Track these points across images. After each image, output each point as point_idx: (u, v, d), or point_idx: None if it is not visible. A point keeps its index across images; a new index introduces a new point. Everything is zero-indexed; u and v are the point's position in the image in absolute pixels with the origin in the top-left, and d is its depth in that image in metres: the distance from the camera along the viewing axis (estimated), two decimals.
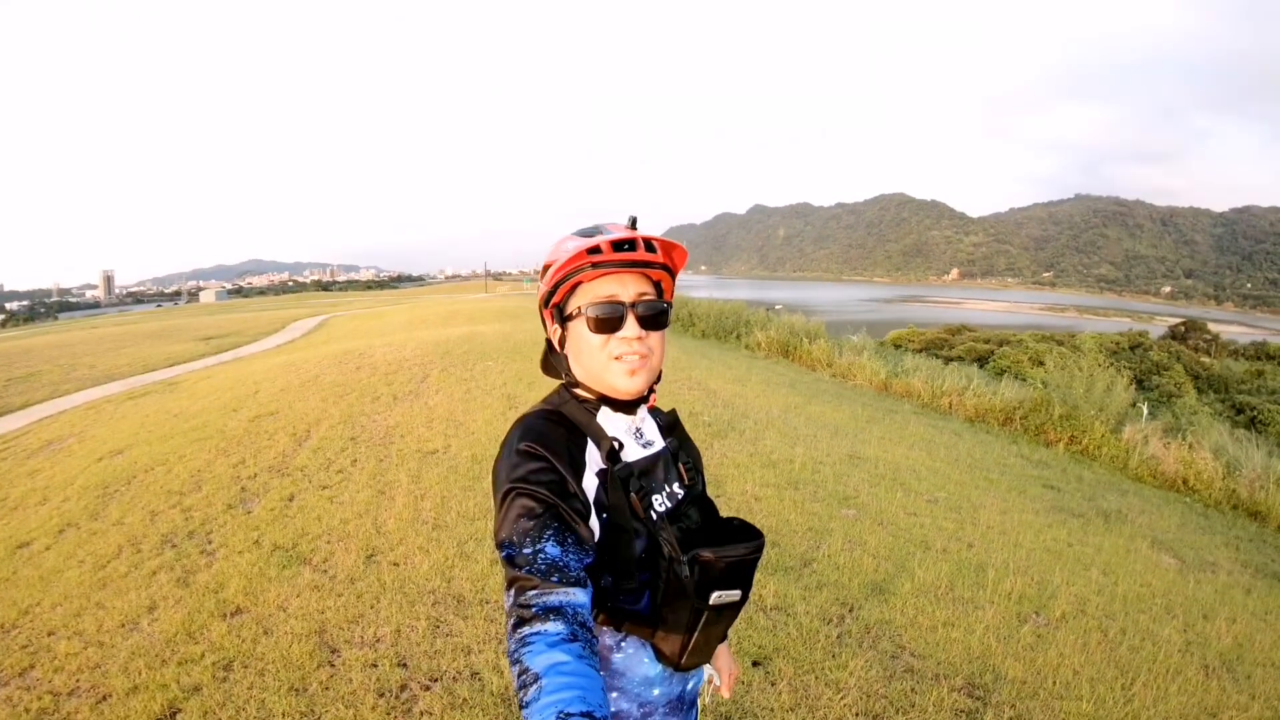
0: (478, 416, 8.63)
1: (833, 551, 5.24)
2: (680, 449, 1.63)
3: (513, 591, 1.23)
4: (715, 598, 1.37)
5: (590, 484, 1.39)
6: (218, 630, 4.07)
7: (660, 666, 1.46)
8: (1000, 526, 6.39)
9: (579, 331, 1.49)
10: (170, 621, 4.21)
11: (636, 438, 1.54)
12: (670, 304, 1.56)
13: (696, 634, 1.39)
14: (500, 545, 1.30)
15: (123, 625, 4.28)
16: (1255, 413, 28.55)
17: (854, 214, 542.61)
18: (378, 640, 3.91)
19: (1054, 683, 3.89)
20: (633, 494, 1.43)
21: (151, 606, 4.47)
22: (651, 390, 1.56)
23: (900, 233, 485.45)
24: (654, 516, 1.44)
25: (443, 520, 5.56)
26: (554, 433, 1.42)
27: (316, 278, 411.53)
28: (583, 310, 1.47)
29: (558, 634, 1.14)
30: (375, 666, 3.67)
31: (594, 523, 1.37)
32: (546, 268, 1.52)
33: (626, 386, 1.47)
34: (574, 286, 1.49)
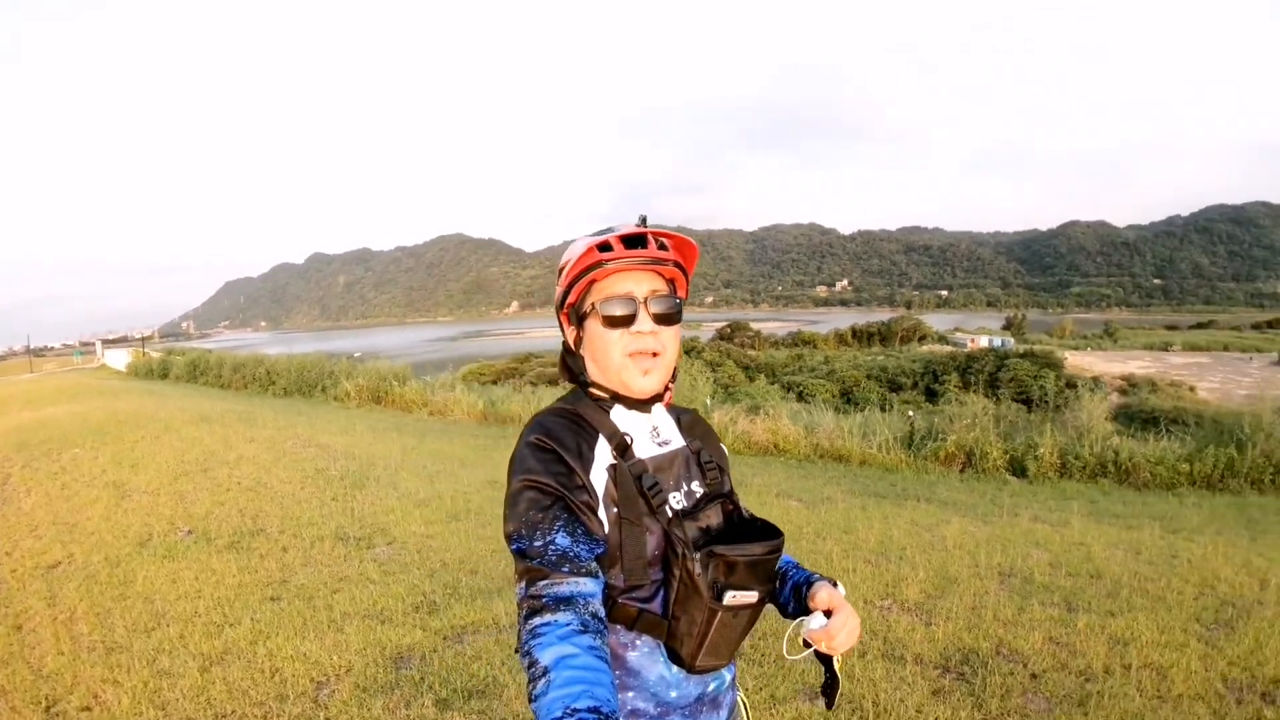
0: (91, 513, 7.53)
1: None
2: (703, 449, 1.60)
3: (524, 583, 1.25)
4: (730, 598, 1.35)
5: (600, 478, 1.40)
6: None
7: (676, 667, 1.43)
8: None
9: (593, 330, 1.50)
10: None
11: (653, 436, 1.54)
12: (683, 301, 1.58)
13: (711, 635, 1.36)
14: (510, 538, 1.31)
15: None
16: (801, 388, 34.10)
17: (414, 256, 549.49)
18: None
19: None
20: (645, 489, 1.41)
21: None
22: (667, 389, 1.58)
23: (460, 271, 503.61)
24: (668, 513, 1.42)
25: (114, 641, 4.71)
26: (564, 427, 1.43)
27: None
28: (596, 308, 1.48)
29: (568, 625, 1.16)
30: None
31: (603, 516, 1.37)
32: (561, 270, 1.53)
33: (641, 384, 1.49)
34: (588, 286, 1.49)
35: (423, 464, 9.33)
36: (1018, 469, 10.62)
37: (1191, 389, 50.06)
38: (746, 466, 10.17)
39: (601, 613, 1.24)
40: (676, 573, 1.36)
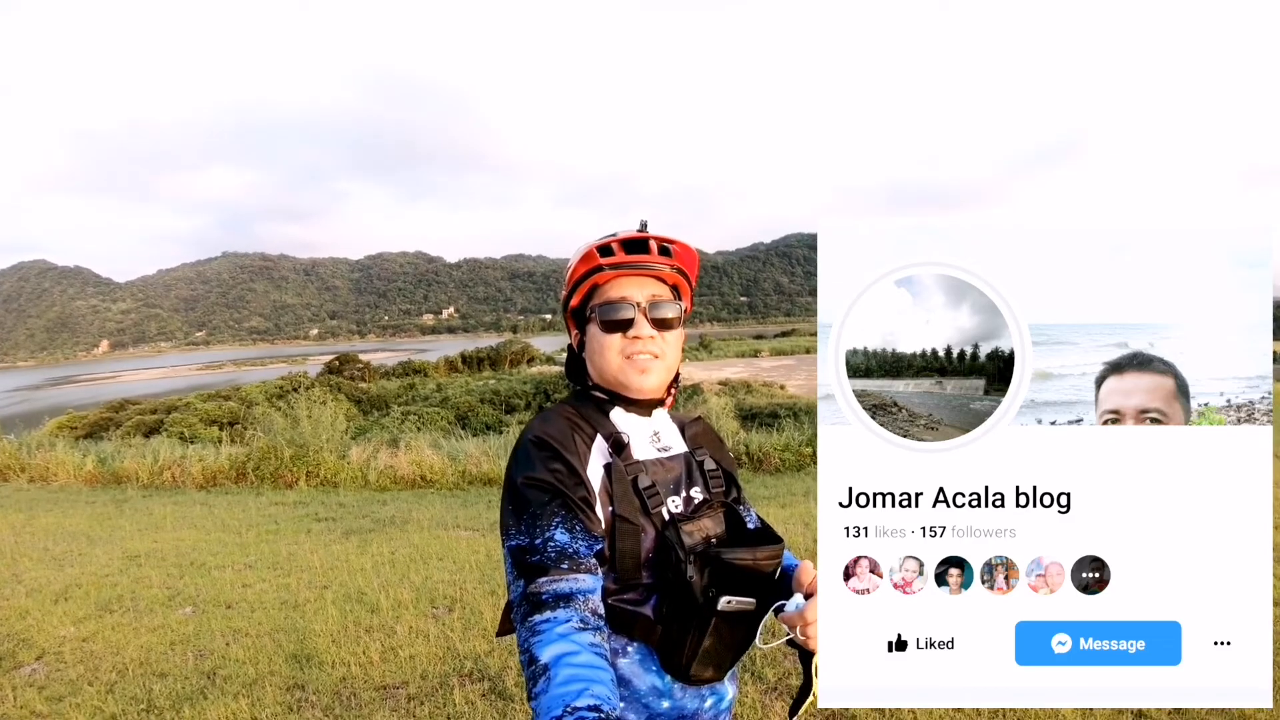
0: None
1: (239, 656, 4.60)
2: (707, 457, 1.56)
3: (522, 580, 1.23)
4: (725, 603, 1.32)
5: (596, 474, 1.38)
6: None
7: (670, 677, 1.39)
8: (332, 562, 6.62)
9: (593, 333, 1.49)
10: None
11: (653, 440, 1.51)
12: (684, 306, 1.56)
13: (705, 642, 1.32)
14: (508, 534, 1.29)
15: None
16: (419, 417, 34.25)
17: None
18: None
19: None
20: (641, 489, 1.39)
21: None
22: (669, 393, 1.57)
23: (43, 306, 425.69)
24: (664, 516, 1.39)
25: None
26: (563, 425, 1.42)
27: None
28: (596, 311, 1.48)
29: (568, 621, 1.15)
30: None
31: (600, 513, 1.35)
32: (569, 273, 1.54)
33: (640, 384, 1.46)
34: (589, 289, 1.50)
35: (43, 546, 7.67)
36: None
37: (782, 387, 56.94)
38: (402, 503, 9.77)
39: (601, 609, 1.23)
40: (670, 574, 1.35)
